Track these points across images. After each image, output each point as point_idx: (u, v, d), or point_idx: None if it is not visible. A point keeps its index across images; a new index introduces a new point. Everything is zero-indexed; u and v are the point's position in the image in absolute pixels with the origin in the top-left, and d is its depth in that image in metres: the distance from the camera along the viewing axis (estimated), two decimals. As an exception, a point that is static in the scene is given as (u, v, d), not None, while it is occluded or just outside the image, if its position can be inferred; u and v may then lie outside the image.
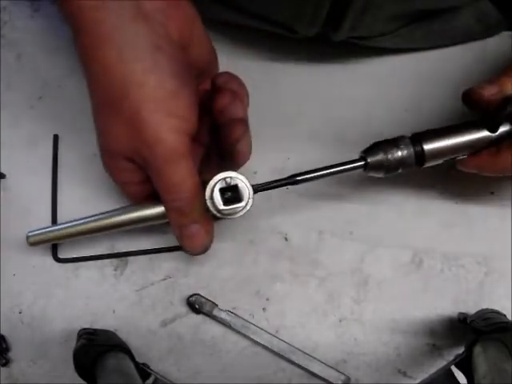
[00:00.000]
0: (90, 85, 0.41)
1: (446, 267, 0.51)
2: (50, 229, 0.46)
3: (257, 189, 0.42)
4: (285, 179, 0.43)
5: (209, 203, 0.42)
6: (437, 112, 0.53)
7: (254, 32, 0.53)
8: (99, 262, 0.51)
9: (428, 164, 0.44)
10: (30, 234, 0.46)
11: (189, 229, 0.42)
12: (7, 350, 0.49)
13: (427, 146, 0.43)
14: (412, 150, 0.43)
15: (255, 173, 0.52)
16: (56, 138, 0.53)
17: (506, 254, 0.50)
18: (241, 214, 0.42)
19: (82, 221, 0.45)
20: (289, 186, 0.51)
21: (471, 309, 0.50)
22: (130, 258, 0.51)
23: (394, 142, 0.43)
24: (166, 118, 0.39)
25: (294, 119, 0.53)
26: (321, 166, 0.43)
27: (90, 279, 0.51)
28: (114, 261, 0.51)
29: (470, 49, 0.55)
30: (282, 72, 0.54)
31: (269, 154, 0.51)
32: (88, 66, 0.40)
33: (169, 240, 0.51)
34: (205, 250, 0.44)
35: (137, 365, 0.45)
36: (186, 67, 0.42)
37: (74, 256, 0.51)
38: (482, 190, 0.52)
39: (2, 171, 0.52)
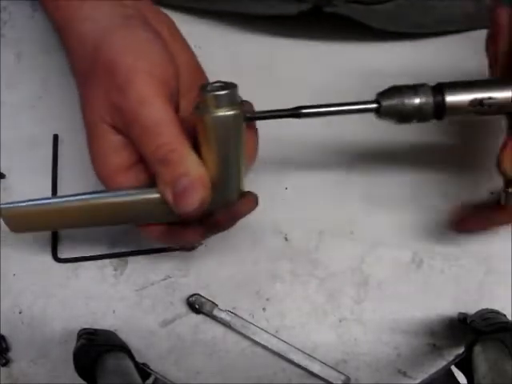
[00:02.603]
0: (70, 60, 0.42)
1: (446, 267, 0.51)
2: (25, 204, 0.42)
3: (257, 116, 0.39)
4: (289, 110, 0.39)
5: (202, 96, 0.36)
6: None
7: (249, 18, 0.53)
8: (99, 261, 0.51)
9: (448, 117, 0.39)
10: (2, 206, 0.41)
11: (180, 183, 0.38)
12: (7, 350, 0.49)
13: (450, 98, 0.38)
14: (432, 99, 0.38)
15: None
16: (56, 138, 0.53)
17: (506, 254, 0.50)
18: (227, 110, 0.36)
19: (65, 199, 0.42)
20: (288, 186, 0.51)
21: (471, 309, 0.49)
22: (130, 258, 0.51)
23: (413, 88, 0.39)
24: (136, 61, 0.39)
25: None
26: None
27: (89, 279, 0.51)
28: (114, 261, 0.51)
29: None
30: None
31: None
32: (65, 41, 0.42)
33: (169, 240, 0.51)
34: (201, 207, 0.39)
35: (137, 365, 0.45)
36: (162, 39, 0.42)
37: (74, 256, 0.51)
38: (481, 190, 0.52)
39: (2, 171, 0.52)
